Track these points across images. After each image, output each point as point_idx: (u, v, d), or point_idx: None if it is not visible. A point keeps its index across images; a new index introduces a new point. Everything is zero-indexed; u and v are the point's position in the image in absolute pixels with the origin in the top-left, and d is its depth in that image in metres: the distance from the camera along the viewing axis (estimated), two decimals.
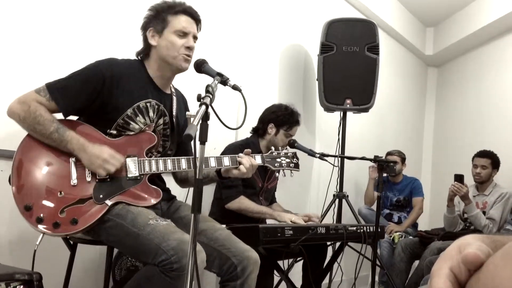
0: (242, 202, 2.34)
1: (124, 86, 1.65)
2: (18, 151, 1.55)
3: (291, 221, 2.23)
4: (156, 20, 1.72)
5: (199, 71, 1.59)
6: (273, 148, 1.96)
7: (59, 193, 1.52)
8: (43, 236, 1.50)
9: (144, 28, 1.75)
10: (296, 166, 1.93)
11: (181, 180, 1.94)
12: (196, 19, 1.76)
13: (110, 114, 1.64)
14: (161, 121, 1.76)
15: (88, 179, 1.56)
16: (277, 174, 2.68)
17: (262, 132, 2.57)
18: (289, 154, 1.93)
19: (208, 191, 2.62)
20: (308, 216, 2.40)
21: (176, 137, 1.85)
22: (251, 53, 3.10)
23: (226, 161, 1.73)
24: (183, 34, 1.71)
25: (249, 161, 1.73)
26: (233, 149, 2.45)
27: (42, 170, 1.54)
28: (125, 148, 1.64)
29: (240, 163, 1.72)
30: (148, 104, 1.70)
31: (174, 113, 1.82)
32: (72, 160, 1.56)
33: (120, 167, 1.59)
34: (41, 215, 1.47)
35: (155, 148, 1.72)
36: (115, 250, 1.88)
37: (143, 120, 1.68)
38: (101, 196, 1.55)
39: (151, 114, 1.71)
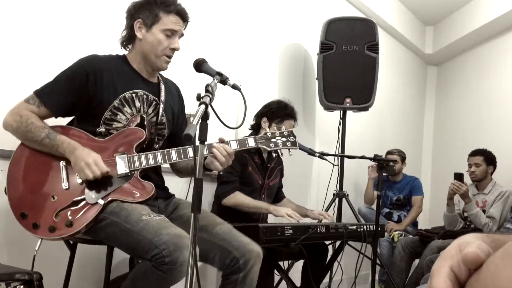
0: (238, 198, 2.33)
1: (108, 80, 1.66)
2: (11, 163, 1.59)
3: (287, 214, 2.25)
4: (147, 12, 1.68)
5: (199, 70, 1.58)
6: (267, 129, 1.92)
7: (52, 198, 1.54)
8: (42, 241, 1.53)
9: (132, 15, 1.71)
10: (293, 144, 1.81)
11: (177, 170, 1.94)
12: (185, 20, 1.75)
13: (97, 109, 1.64)
14: (151, 109, 1.76)
15: (79, 181, 1.57)
16: (278, 171, 2.67)
17: (257, 128, 2.57)
18: (284, 133, 1.83)
19: (209, 190, 2.62)
20: (322, 215, 2.42)
21: (170, 125, 1.85)
22: (251, 52, 3.10)
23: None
24: (171, 34, 1.70)
25: (223, 150, 1.63)
26: None
27: (35, 177, 1.57)
28: (115, 146, 1.64)
29: (215, 154, 1.62)
30: (134, 95, 1.71)
31: (162, 100, 1.80)
32: (62, 164, 1.58)
33: (111, 166, 1.59)
34: (37, 221, 1.51)
35: (144, 142, 1.70)
36: (115, 250, 1.88)
37: (129, 110, 1.69)
38: (93, 196, 1.56)
39: (137, 104, 1.71)
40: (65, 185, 1.56)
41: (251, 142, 1.74)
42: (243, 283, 1.64)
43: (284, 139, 1.81)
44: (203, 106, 1.30)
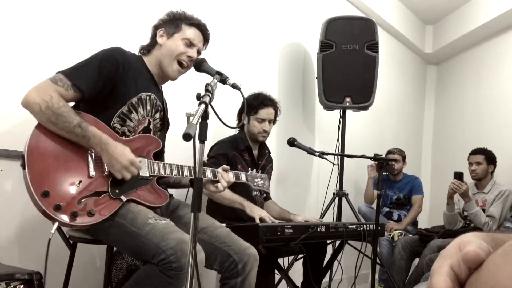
0: None
1: (131, 74, 1.68)
2: (33, 134, 1.46)
3: (259, 217, 2.13)
4: (170, 24, 1.79)
5: (198, 69, 1.59)
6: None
7: (78, 182, 1.48)
8: (57, 225, 1.42)
9: (156, 27, 1.82)
10: (267, 189, 2.11)
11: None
12: (205, 38, 1.84)
13: (116, 99, 1.64)
14: (157, 115, 1.80)
15: (106, 173, 1.54)
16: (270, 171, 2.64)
17: (242, 125, 2.57)
18: (263, 176, 2.10)
19: None
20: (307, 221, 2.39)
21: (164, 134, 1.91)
22: (251, 51, 3.10)
23: (209, 173, 1.79)
24: (190, 44, 1.77)
25: (227, 178, 1.81)
26: (220, 144, 2.45)
27: (60, 156, 1.48)
28: (135, 148, 1.65)
29: (218, 180, 1.80)
30: (148, 97, 1.73)
31: (165, 107, 1.89)
32: (89, 152, 1.54)
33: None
34: (60, 202, 1.40)
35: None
36: (115, 250, 1.88)
37: (142, 112, 1.71)
38: (117, 191, 1.55)
39: (148, 107, 1.73)
40: (92, 173, 1.51)
41: (243, 177, 1.99)
42: (241, 287, 1.65)
43: (262, 181, 2.09)
44: (203, 106, 1.31)
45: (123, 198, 1.56)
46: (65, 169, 1.47)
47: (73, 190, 1.46)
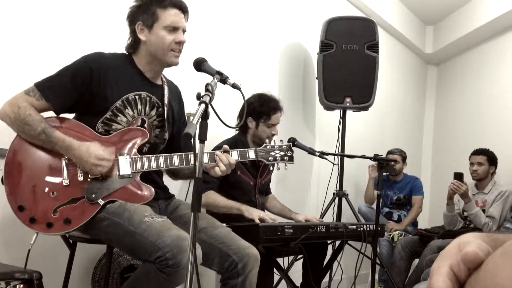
0: (209, 197, 2.22)
1: (112, 78, 1.65)
2: (10, 151, 1.55)
3: (259, 218, 2.08)
4: (145, 13, 1.67)
5: (199, 69, 1.58)
6: (267, 141, 1.92)
7: (51, 193, 1.53)
8: (37, 235, 1.52)
9: (132, 21, 1.70)
10: (291, 158, 1.89)
11: (172, 173, 1.93)
12: (184, 11, 1.72)
13: (98, 107, 1.63)
14: (153, 112, 1.75)
15: (80, 178, 1.56)
16: (271, 167, 2.60)
17: (245, 128, 2.48)
18: (283, 146, 1.89)
19: None
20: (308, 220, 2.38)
21: (170, 128, 1.84)
22: (251, 51, 3.10)
23: (205, 158, 1.68)
24: (173, 29, 1.68)
25: (227, 160, 1.69)
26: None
27: (35, 170, 1.55)
28: (117, 146, 1.63)
29: (217, 162, 1.68)
30: (137, 97, 1.69)
31: (166, 102, 1.80)
32: (64, 159, 1.57)
33: (112, 166, 1.59)
34: (35, 215, 1.49)
35: (147, 143, 1.72)
36: (115, 249, 1.88)
37: (131, 112, 1.68)
38: (93, 195, 1.56)
39: (139, 106, 1.70)
40: (65, 181, 1.55)
41: (252, 154, 1.82)
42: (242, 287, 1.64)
43: (282, 153, 1.88)
44: (203, 105, 1.31)
45: (101, 201, 1.56)
46: (39, 181, 1.54)
47: (47, 201, 1.52)
